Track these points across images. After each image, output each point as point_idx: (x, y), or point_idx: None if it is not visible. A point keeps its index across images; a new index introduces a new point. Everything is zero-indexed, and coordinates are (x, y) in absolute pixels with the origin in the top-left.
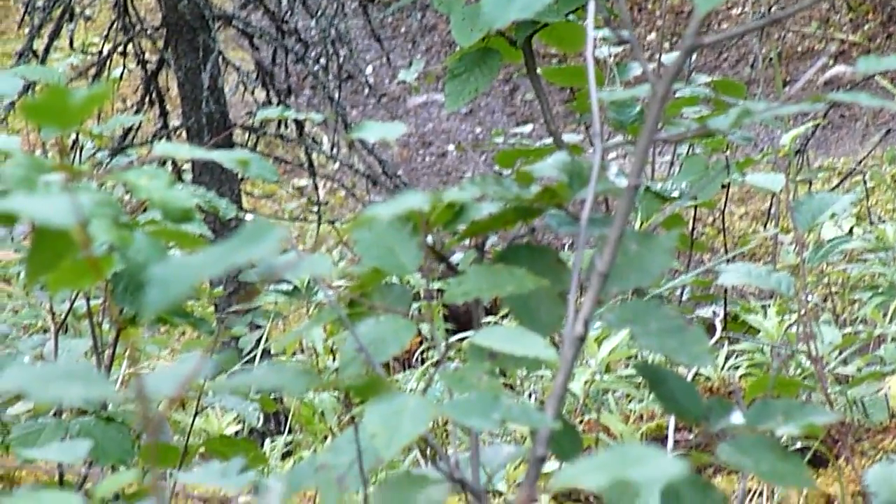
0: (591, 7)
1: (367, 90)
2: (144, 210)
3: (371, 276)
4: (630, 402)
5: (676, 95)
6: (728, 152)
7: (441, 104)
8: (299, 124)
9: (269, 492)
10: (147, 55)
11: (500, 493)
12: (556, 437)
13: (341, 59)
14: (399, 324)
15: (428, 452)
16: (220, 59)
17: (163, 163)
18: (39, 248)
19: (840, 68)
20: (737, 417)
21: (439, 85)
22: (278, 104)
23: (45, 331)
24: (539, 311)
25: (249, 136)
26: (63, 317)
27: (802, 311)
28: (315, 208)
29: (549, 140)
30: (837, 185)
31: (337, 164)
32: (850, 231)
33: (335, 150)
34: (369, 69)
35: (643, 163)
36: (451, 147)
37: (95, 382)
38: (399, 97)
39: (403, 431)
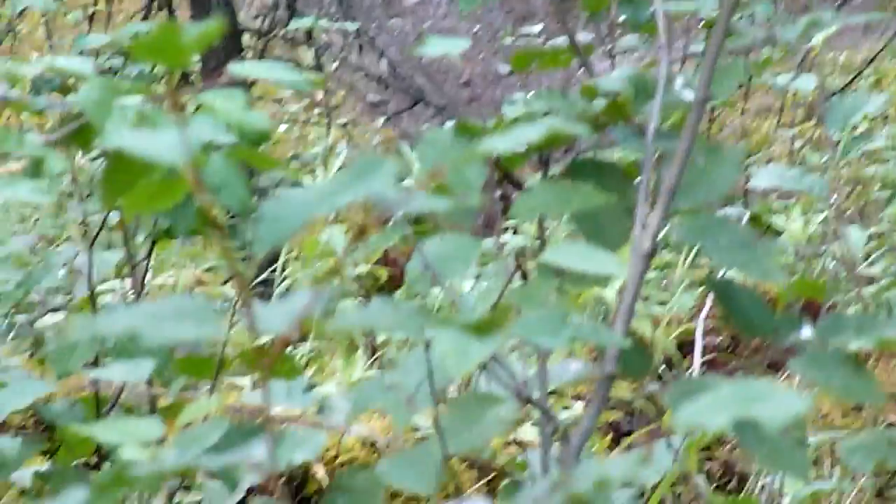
0: None
1: None
2: None
3: (436, 193)
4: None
5: None
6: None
7: (438, 3)
8: (309, 33)
9: (335, 411)
10: None
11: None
12: (625, 354)
13: None
14: (466, 241)
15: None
16: None
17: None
18: (115, 171)
19: None
20: (807, 332)
21: None
22: (287, 6)
23: (65, 241)
24: (605, 226)
25: (258, 39)
26: (97, 229)
27: (832, 213)
28: (317, 110)
29: (559, 40)
30: (850, 82)
31: (336, 64)
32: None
33: (344, 53)
34: None
35: (711, 74)
36: None
37: (207, 320)
38: None
39: (474, 351)
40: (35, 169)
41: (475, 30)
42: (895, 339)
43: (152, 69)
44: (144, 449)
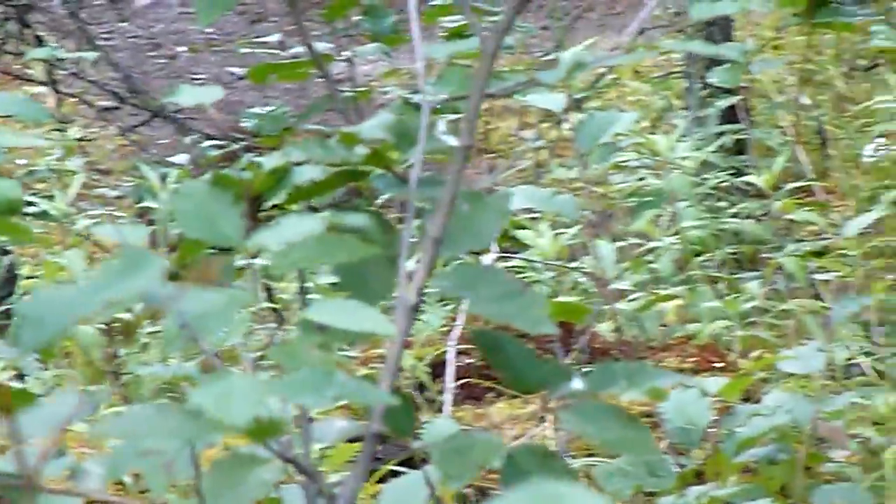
0: None
1: None
2: None
3: (192, 248)
4: None
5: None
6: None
7: (169, 4)
8: (39, 40)
9: (88, 477)
10: None
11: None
12: (392, 411)
13: None
14: (226, 297)
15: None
16: None
17: None
18: None
19: None
20: (577, 384)
21: None
22: (18, 20)
23: None
24: (368, 278)
25: None
26: None
27: (594, 230)
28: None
29: (298, 49)
30: (593, 86)
31: (71, 79)
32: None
33: (78, 67)
34: None
35: (475, 121)
36: (181, 49)
37: None
38: None
39: (235, 413)
40: None
41: (209, 32)
42: (665, 390)
43: None
44: None
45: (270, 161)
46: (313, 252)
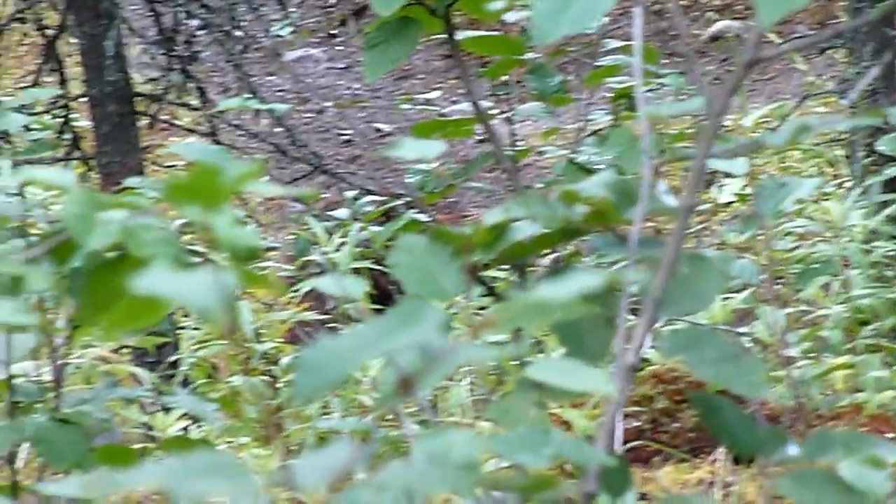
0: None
1: (241, 46)
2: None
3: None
4: None
5: (595, 64)
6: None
7: (317, 59)
8: (202, 91)
9: None
10: (46, 21)
11: None
12: (606, 472)
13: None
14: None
15: None
16: (123, 26)
17: (59, 132)
18: (93, 290)
19: (726, 22)
20: (793, 450)
21: (315, 39)
22: (182, 71)
23: None
24: (586, 337)
25: (150, 103)
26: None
27: (765, 295)
28: None
29: (458, 107)
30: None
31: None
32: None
33: (241, 119)
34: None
35: (699, 181)
36: (328, 104)
37: (239, 477)
38: (273, 51)
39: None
40: (14, 287)
41: (355, 88)
42: (883, 458)
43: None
44: None
45: (491, 217)
46: (531, 310)
